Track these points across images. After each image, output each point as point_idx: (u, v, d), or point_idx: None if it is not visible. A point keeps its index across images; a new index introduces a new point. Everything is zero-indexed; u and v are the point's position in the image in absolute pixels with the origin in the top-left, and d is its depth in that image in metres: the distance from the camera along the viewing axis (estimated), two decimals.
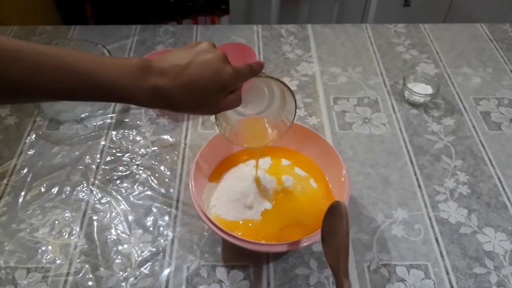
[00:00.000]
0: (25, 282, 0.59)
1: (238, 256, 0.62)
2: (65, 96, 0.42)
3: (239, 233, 0.58)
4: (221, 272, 0.61)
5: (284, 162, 0.68)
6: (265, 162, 0.67)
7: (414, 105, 0.85)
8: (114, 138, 0.78)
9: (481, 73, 0.93)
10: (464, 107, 0.85)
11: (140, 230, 0.65)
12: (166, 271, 0.61)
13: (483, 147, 0.78)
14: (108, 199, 0.69)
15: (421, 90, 0.84)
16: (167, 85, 0.43)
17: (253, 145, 0.61)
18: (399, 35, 1.03)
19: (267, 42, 1.00)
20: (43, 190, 0.70)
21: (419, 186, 0.72)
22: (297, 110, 0.83)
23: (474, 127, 0.82)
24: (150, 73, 0.43)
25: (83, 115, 0.81)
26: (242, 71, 0.47)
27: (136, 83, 0.42)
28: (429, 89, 0.85)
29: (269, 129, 0.60)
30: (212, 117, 0.82)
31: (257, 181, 0.63)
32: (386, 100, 0.87)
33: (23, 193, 0.69)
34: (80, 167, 0.73)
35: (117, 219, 0.67)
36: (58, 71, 0.40)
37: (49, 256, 0.62)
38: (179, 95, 0.44)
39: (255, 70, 0.49)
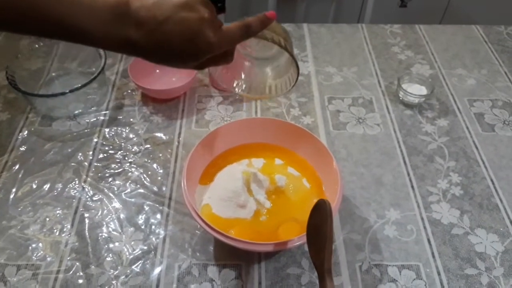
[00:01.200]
0: (14, 279, 0.59)
1: (230, 255, 0.62)
2: (35, 34, 0.40)
3: (232, 232, 0.58)
4: (212, 271, 0.61)
5: (277, 161, 0.68)
6: (258, 161, 0.67)
7: (408, 105, 0.85)
8: (107, 135, 0.78)
9: (475, 74, 0.94)
10: (458, 108, 0.86)
11: (131, 228, 0.65)
12: (157, 270, 0.60)
13: (476, 148, 0.78)
14: (100, 196, 0.69)
15: (415, 91, 0.84)
16: (139, 40, 0.39)
17: (248, 94, 0.57)
18: (394, 36, 1.03)
19: None
20: (34, 186, 0.70)
21: (412, 186, 0.72)
22: (291, 109, 0.83)
23: (467, 128, 0.82)
24: (124, 22, 0.39)
25: (76, 112, 0.80)
26: (230, 35, 0.42)
27: (108, 33, 0.39)
28: (423, 90, 0.85)
29: (269, 81, 0.56)
30: (207, 112, 0.81)
31: (249, 180, 0.63)
32: (380, 100, 0.87)
33: (14, 190, 0.69)
34: (72, 164, 0.73)
35: (109, 216, 0.66)
36: (29, 12, 0.37)
37: (39, 254, 0.62)
38: (152, 52, 0.41)
39: (251, 31, 0.43)
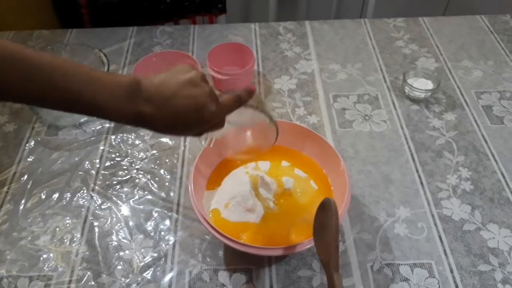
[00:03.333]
0: None
1: (240, 259, 0.62)
2: (51, 107, 0.43)
3: (244, 237, 0.58)
4: (223, 276, 0.61)
5: (284, 163, 0.67)
6: (265, 164, 0.67)
7: (414, 100, 0.84)
8: (113, 143, 0.78)
9: (482, 66, 0.92)
10: (466, 102, 0.84)
11: (141, 235, 0.65)
12: (168, 276, 0.61)
13: (486, 141, 0.77)
14: (109, 204, 0.69)
15: (421, 85, 0.83)
16: (151, 113, 0.43)
17: (238, 156, 0.63)
18: (398, 30, 1.02)
19: (265, 40, 0.99)
20: (43, 197, 0.70)
21: (421, 183, 0.71)
22: (297, 109, 0.83)
23: (476, 121, 0.81)
24: (137, 98, 0.43)
25: (81, 120, 0.81)
26: (227, 104, 0.48)
27: (122, 108, 0.43)
28: (429, 84, 0.84)
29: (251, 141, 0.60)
30: None
31: (257, 183, 0.62)
32: (386, 96, 0.86)
33: (23, 201, 0.69)
34: (80, 172, 0.73)
35: (118, 224, 0.66)
36: (47, 87, 0.40)
37: (51, 264, 0.62)
38: (161, 124, 0.45)
39: (242, 100, 0.49)
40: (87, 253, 0.63)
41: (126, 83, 0.43)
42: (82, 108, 0.42)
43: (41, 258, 0.63)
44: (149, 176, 0.72)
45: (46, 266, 0.62)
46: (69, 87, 0.41)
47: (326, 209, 0.51)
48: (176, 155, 0.76)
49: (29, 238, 0.65)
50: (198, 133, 0.49)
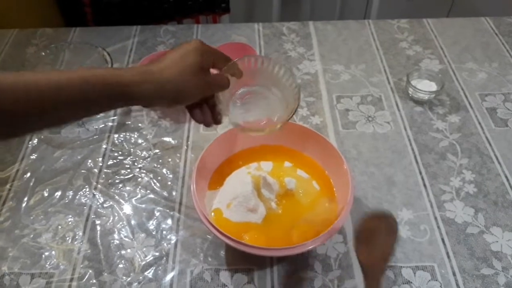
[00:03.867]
0: None
1: (242, 260, 0.62)
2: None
3: (246, 237, 0.58)
4: (225, 275, 0.60)
5: (286, 164, 0.67)
6: (267, 164, 0.67)
7: (418, 102, 0.84)
8: (116, 141, 0.78)
9: (486, 68, 0.92)
10: (470, 104, 0.84)
11: (143, 234, 0.65)
12: (170, 276, 0.60)
13: (490, 144, 0.77)
14: (111, 203, 0.69)
15: (425, 87, 0.83)
16: (150, 66, 0.47)
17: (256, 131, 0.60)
18: (402, 31, 1.01)
19: (268, 40, 0.99)
20: (46, 195, 0.70)
21: (425, 185, 0.71)
22: (299, 110, 0.82)
23: (480, 123, 0.80)
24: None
25: (84, 118, 0.81)
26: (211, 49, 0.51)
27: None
28: (433, 86, 0.83)
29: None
30: None
31: (259, 184, 0.62)
32: (390, 97, 0.86)
33: (26, 198, 0.69)
34: (83, 171, 0.73)
35: (120, 223, 0.66)
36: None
37: (52, 262, 0.62)
38: (163, 69, 0.47)
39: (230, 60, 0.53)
40: (89, 251, 0.63)
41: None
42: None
43: (43, 256, 0.63)
44: (151, 175, 0.72)
45: (48, 263, 0.62)
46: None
47: (384, 219, 0.51)
48: (178, 155, 0.75)
49: (31, 236, 0.65)
50: (202, 85, 0.49)
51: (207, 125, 0.54)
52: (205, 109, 0.53)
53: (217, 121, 0.54)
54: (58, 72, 0.44)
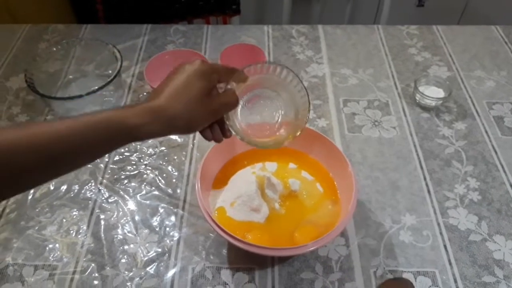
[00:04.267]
0: (32, 279, 0.60)
1: (243, 259, 0.62)
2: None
3: (247, 235, 0.58)
4: (226, 274, 0.61)
5: (291, 165, 0.67)
6: (272, 165, 0.67)
7: (425, 108, 0.84)
8: None
9: (495, 76, 0.92)
10: (477, 111, 0.84)
11: (146, 230, 0.65)
12: (171, 272, 0.61)
13: (495, 152, 0.77)
14: (116, 198, 0.70)
15: (432, 93, 0.83)
16: (155, 101, 0.45)
17: (267, 146, 0.58)
18: (411, 37, 1.01)
19: (277, 42, 0.99)
20: (52, 188, 0.71)
21: (429, 191, 0.71)
22: None
23: (486, 132, 0.80)
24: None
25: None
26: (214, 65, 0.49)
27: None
28: (441, 93, 0.83)
29: (281, 130, 0.57)
30: None
31: (263, 184, 0.63)
32: (396, 103, 0.86)
33: (32, 191, 0.70)
34: (89, 166, 0.74)
35: (124, 218, 0.67)
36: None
37: (56, 254, 0.63)
38: (169, 104, 0.45)
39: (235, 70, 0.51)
40: (92, 245, 0.64)
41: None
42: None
43: (47, 248, 0.63)
44: (156, 172, 0.73)
45: (51, 256, 0.62)
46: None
47: (401, 283, 0.54)
48: (184, 153, 0.76)
49: (36, 228, 0.66)
50: (211, 108, 0.48)
51: (218, 141, 0.53)
52: (215, 127, 0.51)
53: (226, 136, 0.53)
54: (57, 122, 0.41)
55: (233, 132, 0.52)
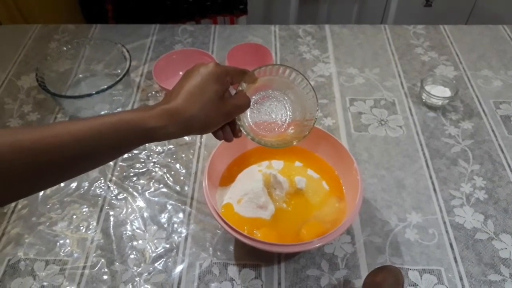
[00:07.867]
0: (43, 273, 0.61)
1: (250, 255, 0.63)
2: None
3: (258, 233, 0.59)
4: (232, 270, 0.62)
5: (297, 163, 0.68)
6: (278, 163, 0.68)
7: (431, 107, 0.84)
8: None
9: (502, 76, 0.91)
10: (484, 111, 0.84)
11: (155, 227, 0.66)
12: (179, 268, 0.62)
13: (502, 151, 0.77)
14: (125, 195, 0.71)
15: (439, 92, 0.83)
16: (172, 104, 0.45)
17: (276, 146, 0.58)
18: (418, 37, 1.01)
19: (284, 42, 1.00)
20: (62, 185, 0.72)
21: (435, 190, 0.71)
22: None
23: (493, 131, 0.80)
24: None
25: (102, 113, 0.83)
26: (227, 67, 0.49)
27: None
28: (447, 92, 0.83)
29: (290, 130, 0.58)
30: None
31: (269, 182, 0.63)
32: (403, 102, 0.86)
33: None
34: None
35: (133, 215, 0.68)
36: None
37: (66, 249, 0.64)
38: (186, 106, 0.45)
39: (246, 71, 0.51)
40: (101, 241, 0.65)
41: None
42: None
43: (58, 244, 0.65)
44: (165, 170, 0.74)
45: (62, 251, 0.64)
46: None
47: (391, 276, 0.55)
48: (192, 151, 0.77)
49: (47, 224, 0.67)
50: (224, 109, 0.48)
51: (228, 141, 0.54)
52: (226, 127, 0.52)
53: (237, 136, 0.54)
54: (77, 122, 0.42)
55: (244, 132, 0.53)
